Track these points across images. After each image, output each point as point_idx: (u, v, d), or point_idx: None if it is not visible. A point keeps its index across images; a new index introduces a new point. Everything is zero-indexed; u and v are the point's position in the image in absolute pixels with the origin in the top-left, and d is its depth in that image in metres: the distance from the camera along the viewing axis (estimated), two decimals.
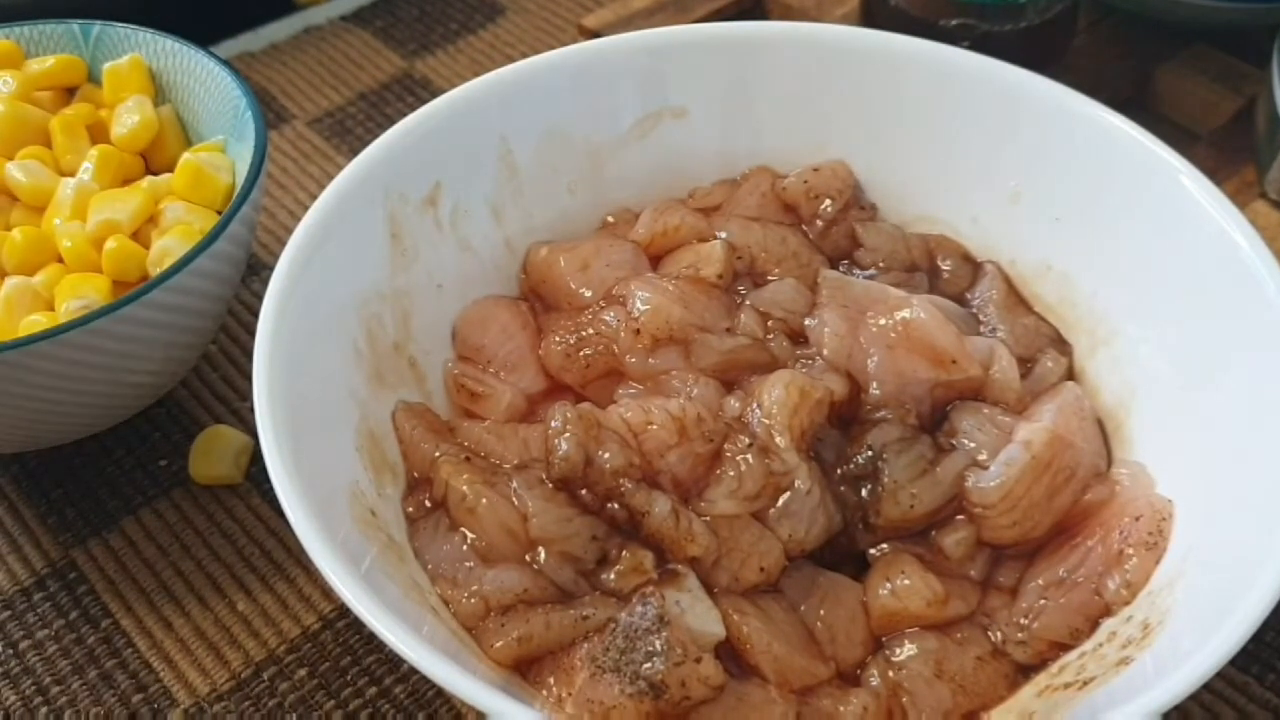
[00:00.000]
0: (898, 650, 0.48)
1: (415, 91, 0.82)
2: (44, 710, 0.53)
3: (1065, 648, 0.47)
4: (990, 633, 0.48)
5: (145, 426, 0.62)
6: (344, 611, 0.55)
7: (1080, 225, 0.56)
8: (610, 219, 0.61)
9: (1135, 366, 0.54)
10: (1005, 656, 0.48)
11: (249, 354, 0.48)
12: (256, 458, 0.61)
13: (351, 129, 0.79)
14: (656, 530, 0.47)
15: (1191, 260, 0.52)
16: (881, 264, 0.58)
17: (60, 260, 0.57)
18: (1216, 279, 0.51)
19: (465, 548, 0.48)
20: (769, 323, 0.54)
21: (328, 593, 0.56)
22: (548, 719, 0.44)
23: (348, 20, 0.88)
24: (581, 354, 0.54)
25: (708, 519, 0.47)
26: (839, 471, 0.50)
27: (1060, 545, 0.50)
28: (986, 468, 0.49)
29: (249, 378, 0.47)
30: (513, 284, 0.60)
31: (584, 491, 0.47)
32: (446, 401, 0.56)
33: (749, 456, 0.48)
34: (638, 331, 0.53)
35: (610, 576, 0.47)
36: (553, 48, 0.61)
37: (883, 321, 0.52)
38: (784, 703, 0.45)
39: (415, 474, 0.52)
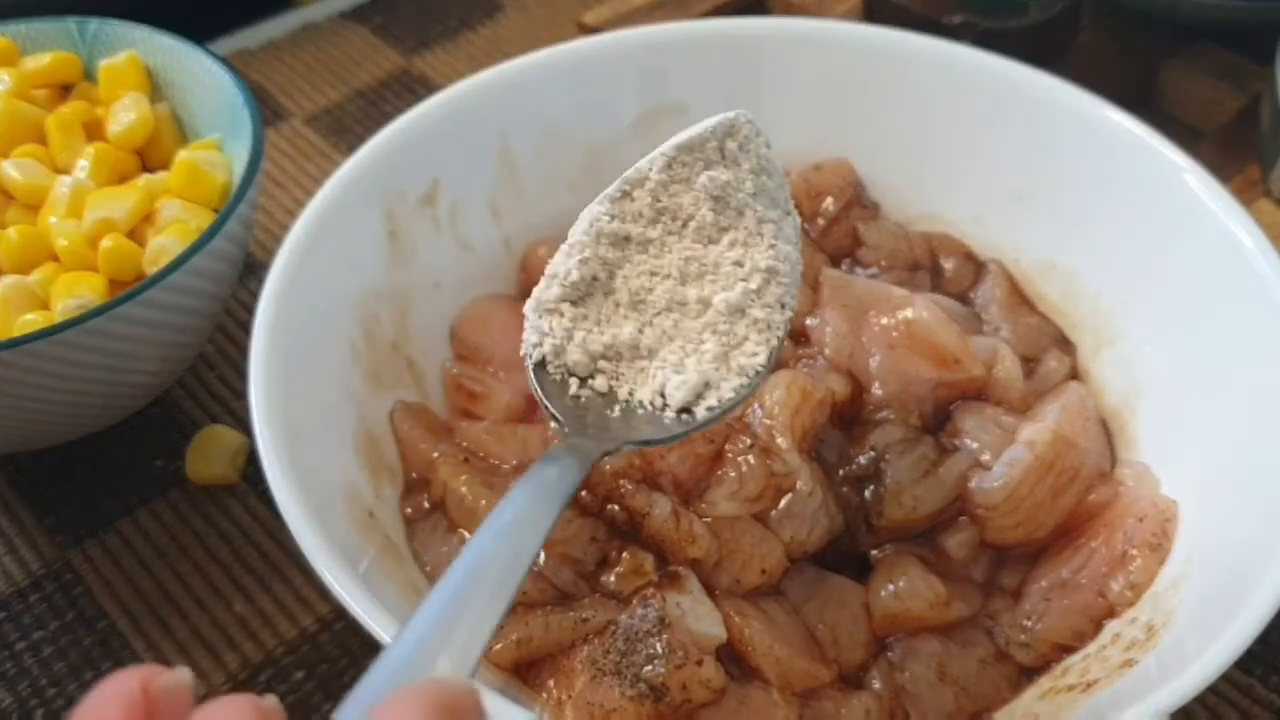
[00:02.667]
0: (900, 653, 0.47)
1: (413, 89, 0.81)
2: (40, 712, 0.52)
3: (1069, 650, 0.47)
4: (993, 635, 0.48)
5: (141, 426, 0.62)
6: (342, 613, 0.55)
7: (1084, 224, 0.56)
8: None
9: (1139, 366, 0.53)
10: (1008, 659, 0.47)
11: (246, 353, 0.48)
12: (253, 458, 0.60)
13: (349, 127, 0.79)
14: (657, 532, 0.46)
15: (1196, 259, 0.52)
16: (884, 263, 0.58)
17: (56, 259, 0.57)
18: (1221, 278, 0.50)
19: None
20: None
21: (325, 594, 0.55)
22: None
23: (346, 17, 0.87)
24: None
25: (709, 520, 0.47)
26: (841, 472, 0.50)
27: (1064, 546, 0.49)
28: (990, 468, 0.49)
29: (246, 377, 0.46)
30: (511, 283, 0.59)
31: (584, 493, 0.47)
32: (445, 401, 0.55)
33: (750, 457, 0.48)
34: None
35: (610, 578, 0.47)
36: (552, 45, 0.60)
37: (885, 321, 0.52)
38: (786, 705, 0.45)
39: (413, 475, 0.51)
